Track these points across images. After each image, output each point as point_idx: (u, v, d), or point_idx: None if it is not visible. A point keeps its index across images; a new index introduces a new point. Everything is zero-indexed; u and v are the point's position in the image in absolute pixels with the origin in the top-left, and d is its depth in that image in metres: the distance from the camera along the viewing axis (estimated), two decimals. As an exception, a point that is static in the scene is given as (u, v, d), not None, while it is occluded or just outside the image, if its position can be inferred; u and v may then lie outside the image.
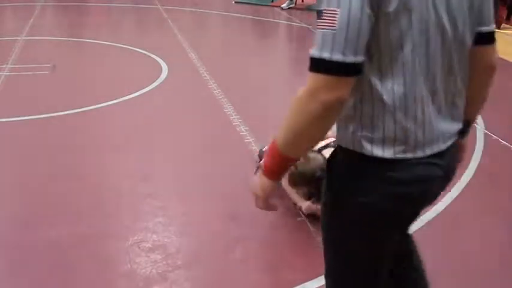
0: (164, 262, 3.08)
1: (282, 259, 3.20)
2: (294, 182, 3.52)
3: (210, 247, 3.27)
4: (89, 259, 3.09)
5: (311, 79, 1.44)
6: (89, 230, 3.37)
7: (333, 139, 3.56)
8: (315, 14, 10.91)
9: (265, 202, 1.68)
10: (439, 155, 1.61)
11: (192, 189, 3.95)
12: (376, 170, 1.58)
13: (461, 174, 4.25)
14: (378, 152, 1.56)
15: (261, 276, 3.04)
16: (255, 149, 4.49)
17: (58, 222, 3.43)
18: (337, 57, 1.40)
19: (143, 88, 5.96)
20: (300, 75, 7.31)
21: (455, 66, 1.59)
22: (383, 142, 1.55)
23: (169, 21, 9.76)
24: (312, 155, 3.42)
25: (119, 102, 5.57)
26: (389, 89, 1.50)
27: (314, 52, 1.43)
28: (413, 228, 3.53)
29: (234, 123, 5.05)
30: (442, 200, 3.88)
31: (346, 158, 1.63)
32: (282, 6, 11.14)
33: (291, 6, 11.24)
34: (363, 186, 1.60)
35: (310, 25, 9.77)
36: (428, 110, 1.55)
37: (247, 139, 4.70)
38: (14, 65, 6.68)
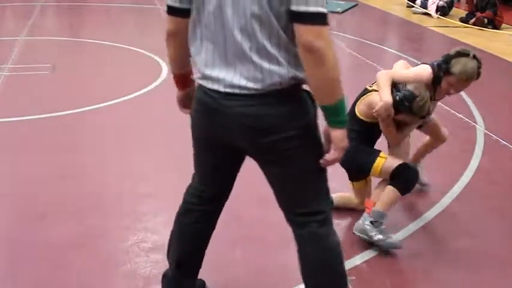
0: (164, 262, 3.07)
1: (282, 259, 3.20)
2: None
3: (210, 247, 3.25)
4: (88, 259, 3.09)
5: None
6: (89, 230, 3.37)
7: None
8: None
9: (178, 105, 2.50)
10: (217, 93, 2.10)
11: (192, 189, 3.94)
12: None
13: (462, 174, 4.25)
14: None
15: (261, 276, 3.04)
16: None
17: (58, 222, 3.43)
18: (167, 2, 2.20)
19: (143, 88, 5.96)
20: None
21: (234, 33, 1.99)
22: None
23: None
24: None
25: (118, 102, 5.57)
26: (189, 30, 2.15)
27: None
28: (413, 227, 3.55)
29: (234, 123, 5.04)
30: (442, 199, 3.88)
31: None
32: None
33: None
34: None
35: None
36: (208, 54, 2.09)
37: (247, 139, 4.69)
38: (14, 65, 6.68)
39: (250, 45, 1.98)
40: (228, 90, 2.06)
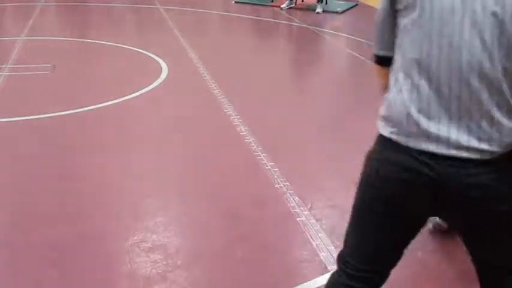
0: (164, 262, 3.08)
1: (283, 260, 3.21)
2: None
3: (210, 247, 3.27)
4: (89, 259, 3.09)
5: None
6: (89, 230, 3.37)
7: None
8: (314, 14, 10.99)
9: None
10: (432, 157, 1.67)
11: (192, 189, 3.95)
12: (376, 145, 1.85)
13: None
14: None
15: (261, 276, 3.04)
16: (255, 149, 4.50)
17: (58, 222, 3.43)
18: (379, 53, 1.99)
19: (143, 88, 5.96)
20: (300, 75, 7.31)
21: (471, 80, 1.62)
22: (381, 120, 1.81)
23: (169, 21, 9.77)
24: None
25: (118, 102, 5.57)
26: (391, 75, 1.80)
27: None
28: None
29: (234, 123, 5.05)
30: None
31: None
32: (282, 6, 11.14)
33: (290, 6, 11.24)
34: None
35: (310, 25, 9.78)
36: (423, 105, 1.68)
37: (247, 139, 4.71)
38: (14, 65, 6.68)
39: (491, 96, 1.63)
40: (453, 152, 1.65)
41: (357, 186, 1.92)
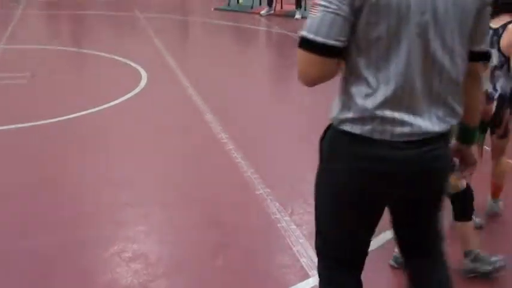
0: (145, 271, 3.06)
1: (264, 266, 3.21)
2: None
3: (192, 255, 3.27)
4: (68, 269, 3.07)
5: None
6: (69, 239, 3.35)
7: None
8: (293, 21, 11.00)
9: None
10: (408, 142, 1.78)
11: (173, 197, 3.94)
12: None
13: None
14: None
15: (243, 283, 3.04)
16: (235, 156, 4.50)
17: (37, 232, 3.40)
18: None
19: (123, 96, 5.95)
20: (279, 81, 7.33)
21: (442, 73, 1.76)
22: None
23: (149, 29, 9.75)
24: None
25: (98, 110, 5.55)
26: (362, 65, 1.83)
27: None
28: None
29: (214, 131, 5.06)
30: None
31: None
32: (261, 13, 11.19)
33: (270, 13, 11.29)
34: None
35: (289, 31, 9.81)
36: (397, 92, 1.75)
37: (227, 146, 4.71)
38: (-9, 74, 6.63)
39: (450, 84, 1.81)
40: (423, 136, 1.79)
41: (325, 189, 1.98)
